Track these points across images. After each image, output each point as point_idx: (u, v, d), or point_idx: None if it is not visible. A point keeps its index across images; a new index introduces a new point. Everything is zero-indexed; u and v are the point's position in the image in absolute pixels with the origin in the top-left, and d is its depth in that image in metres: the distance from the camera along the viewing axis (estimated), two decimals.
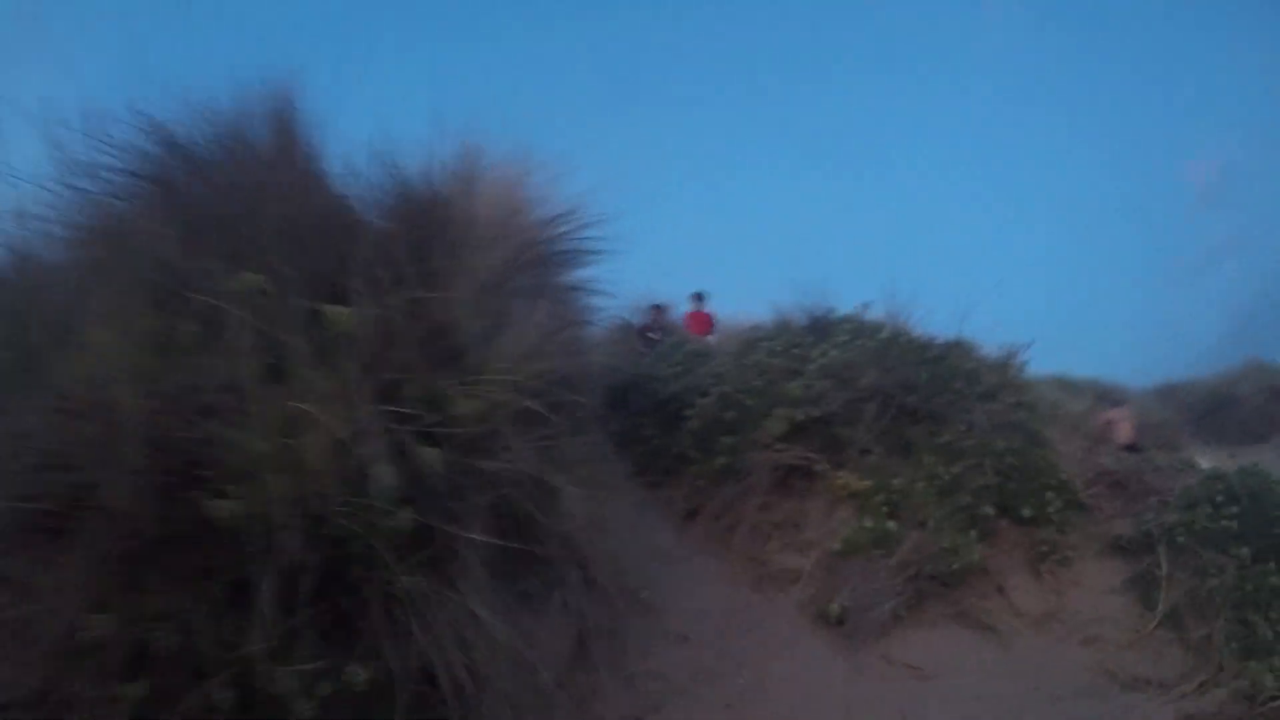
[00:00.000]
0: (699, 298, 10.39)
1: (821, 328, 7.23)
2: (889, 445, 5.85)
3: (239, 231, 2.96)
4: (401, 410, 2.72)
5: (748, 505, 5.49)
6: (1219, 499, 5.88)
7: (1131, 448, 10.69)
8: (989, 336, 7.44)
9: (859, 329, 7.10)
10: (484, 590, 2.74)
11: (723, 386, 6.20)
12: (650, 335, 8.81)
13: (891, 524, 5.11)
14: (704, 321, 10.17)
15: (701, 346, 7.79)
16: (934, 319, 7.31)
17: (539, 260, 4.13)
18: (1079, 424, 9.82)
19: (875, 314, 7.47)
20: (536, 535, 3.15)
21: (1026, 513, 5.97)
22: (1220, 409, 16.76)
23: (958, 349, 7.08)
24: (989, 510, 5.72)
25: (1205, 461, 10.24)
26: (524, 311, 3.46)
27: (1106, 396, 13.50)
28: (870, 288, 8.26)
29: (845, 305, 7.64)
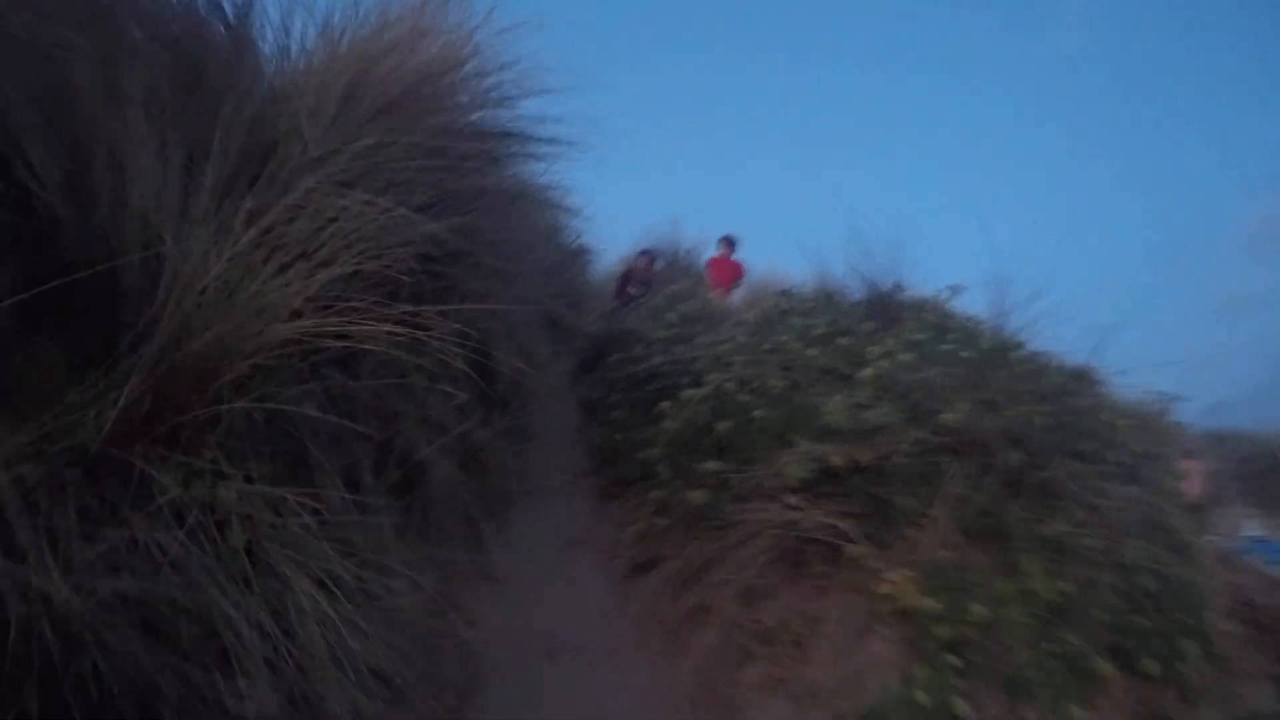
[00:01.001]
0: (729, 242, 8.00)
1: (886, 310, 4.79)
2: (971, 528, 3.54)
3: None
4: None
5: (726, 587, 3.23)
6: None
7: (1196, 509, 8.70)
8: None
9: (943, 324, 4.66)
10: None
11: (723, 377, 3.83)
12: (630, 290, 6.46)
13: (960, 700, 2.86)
14: (731, 272, 7.72)
15: (713, 306, 5.33)
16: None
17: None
18: None
19: (968, 308, 4.99)
20: None
21: (1152, 669, 3.75)
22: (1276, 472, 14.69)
23: (1081, 385, 4.69)
24: (1105, 666, 3.50)
25: (1254, 530, 8.81)
26: None
27: None
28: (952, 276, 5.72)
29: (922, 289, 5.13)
